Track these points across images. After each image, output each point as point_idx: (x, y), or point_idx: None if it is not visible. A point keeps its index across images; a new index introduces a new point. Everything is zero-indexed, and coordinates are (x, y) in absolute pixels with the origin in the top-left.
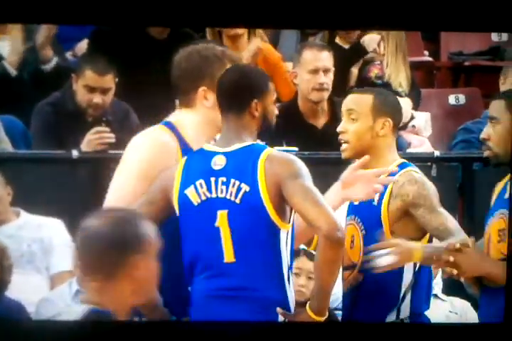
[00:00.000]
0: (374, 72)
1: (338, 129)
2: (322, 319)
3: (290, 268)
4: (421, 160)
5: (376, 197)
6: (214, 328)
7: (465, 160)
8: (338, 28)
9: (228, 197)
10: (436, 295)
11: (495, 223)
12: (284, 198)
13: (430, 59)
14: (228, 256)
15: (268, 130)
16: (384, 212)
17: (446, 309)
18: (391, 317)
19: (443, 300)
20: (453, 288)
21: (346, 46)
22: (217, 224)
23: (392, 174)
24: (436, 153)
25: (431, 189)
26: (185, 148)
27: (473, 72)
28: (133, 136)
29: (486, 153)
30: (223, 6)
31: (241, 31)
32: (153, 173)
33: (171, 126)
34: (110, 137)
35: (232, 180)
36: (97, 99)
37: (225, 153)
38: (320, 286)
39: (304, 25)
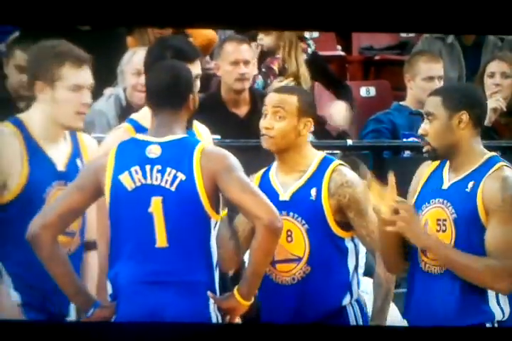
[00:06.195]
0: (276, 64)
1: None
2: (248, 303)
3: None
4: (333, 148)
5: (314, 193)
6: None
7: (376, 149)
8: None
9: (163, 184)
10: None
11: (432, 211)
12: (219, 190)
13: (342, 53)
14: (161, 241)
15: (191, 118)
16: (326, 207)
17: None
18: (346, 300)
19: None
20: None
21: None
22: (150, 209)
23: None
24: (349, 142)
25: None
26: (30, 143)
27: (383, 65)
28: None
29: (425, 148)
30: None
31: None
32: None
33: (16, 122)
34: None
35: (169, 169)
36: None
37: (160, 143)
38: (253, 271)
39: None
